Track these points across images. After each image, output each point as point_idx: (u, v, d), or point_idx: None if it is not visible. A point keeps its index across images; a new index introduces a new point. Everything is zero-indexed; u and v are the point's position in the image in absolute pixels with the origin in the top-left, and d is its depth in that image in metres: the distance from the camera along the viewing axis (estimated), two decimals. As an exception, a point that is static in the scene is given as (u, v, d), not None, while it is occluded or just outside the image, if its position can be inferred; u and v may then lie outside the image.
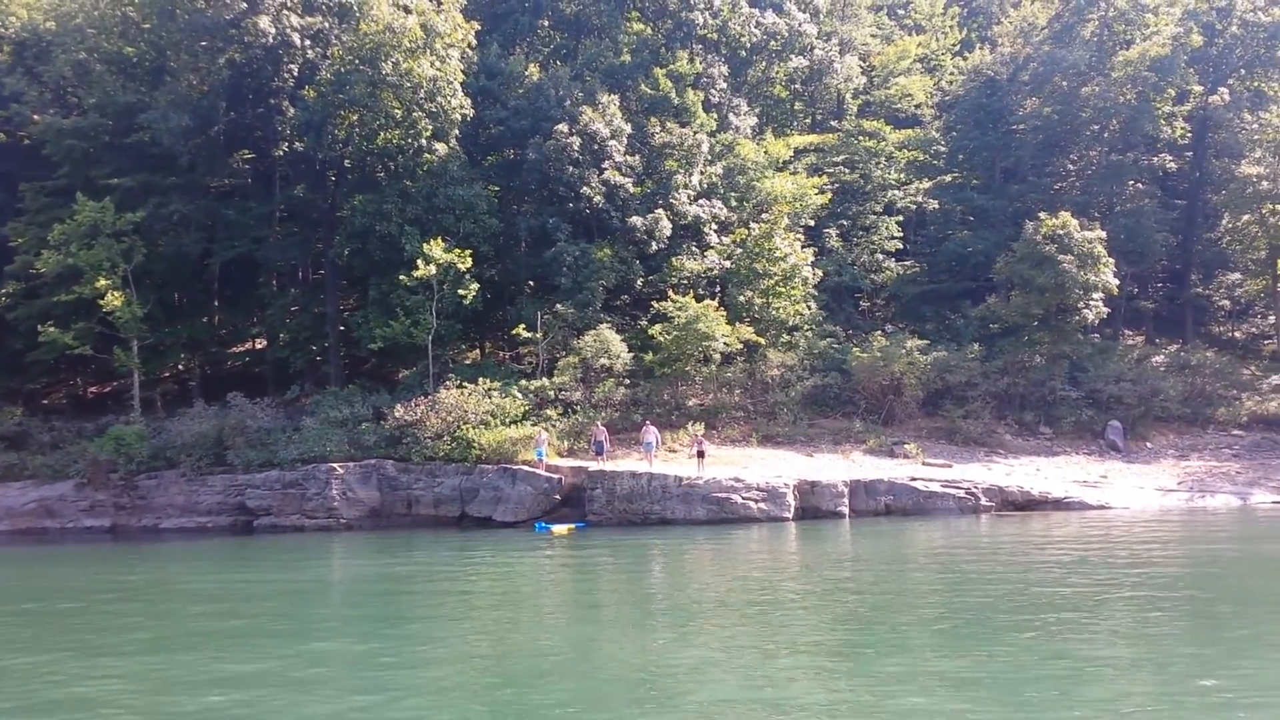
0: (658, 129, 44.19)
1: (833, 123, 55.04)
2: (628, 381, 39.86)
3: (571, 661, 14.54)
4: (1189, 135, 50.52)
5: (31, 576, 26.83)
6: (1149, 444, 39.82)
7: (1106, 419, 40.19)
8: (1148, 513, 31.44)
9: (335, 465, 35.08)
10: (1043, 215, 41.94)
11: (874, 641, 15.07)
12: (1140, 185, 49.52)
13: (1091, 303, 40.69)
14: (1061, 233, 40.68)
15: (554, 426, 37.09)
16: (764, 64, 53.20)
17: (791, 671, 13.50)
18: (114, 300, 39.06)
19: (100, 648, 16.66)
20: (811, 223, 47.15)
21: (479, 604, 20.25)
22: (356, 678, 13.98)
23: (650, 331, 40.34)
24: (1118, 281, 41.72)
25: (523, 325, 40.61)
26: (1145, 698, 11.90)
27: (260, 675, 14.26)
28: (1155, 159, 49.49)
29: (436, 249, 38.19)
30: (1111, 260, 41.20)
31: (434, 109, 41.15)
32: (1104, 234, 41.55)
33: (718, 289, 44.74)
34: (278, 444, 36.49)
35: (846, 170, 51.00)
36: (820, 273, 44.99)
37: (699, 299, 40.86)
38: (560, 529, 31.98)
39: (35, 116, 44.54)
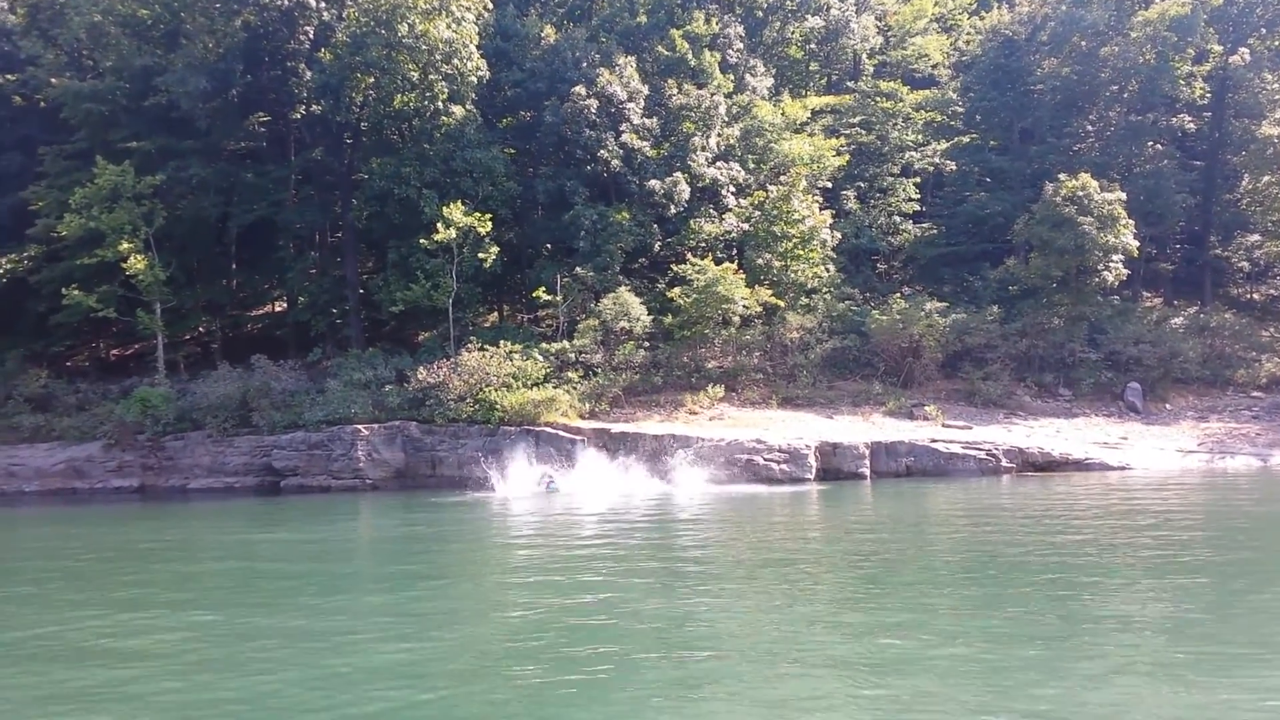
0: (675, 91, 43.96)
1: (849, 84, 54.70)
2: (647, 344, 40.01)
3: (597, 618, 14.71)
4: (1209, 96, 50.08)
5: (67, 535, 27.16)
6: (1168, 405, 39.98)
7: (1125, 381, 40.33)
8: (1168, 474, 31.64)
9: (360, 427, 35.39)
10: (1062, 177, 41.83)
11: (901, 599, 15.28)
12: (1159, 146, 49.24)
13: (1111, 264, 40.71)
14: (1081, 194, 40.61)
15: (575, 389, 37.31)
16: (779, 24, 52.81)
17: (815, 626, 13.68)
18: (137, 263, 39.26)
19: (136, 602, 17.04)
20: (829, 185, 47.06)
21: (504, 561, 20.53)
22: (389, 631, 14.20)
23: (670, 294, 40.48)
24: (1138, 243, 41.64)
25: (543, 288, 40.76)
26: (1167, 655, 12.11)
27: (291, 629, 14.52)
28: (1174, 120, 49.13)
29: (456, 212, 38.26)
30: (1131, 222, 41.14)
31: (450, 71, 41.04)
32: (1124, 195, 41.44)
33: (735, 252, 44.77)
34: (302, 406, 36.83)
35: (863, 132, 50.80)
36: (838, 235, 44.99)
37: (717, 262, 40.95)
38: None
39: (53, 80, 44.44)
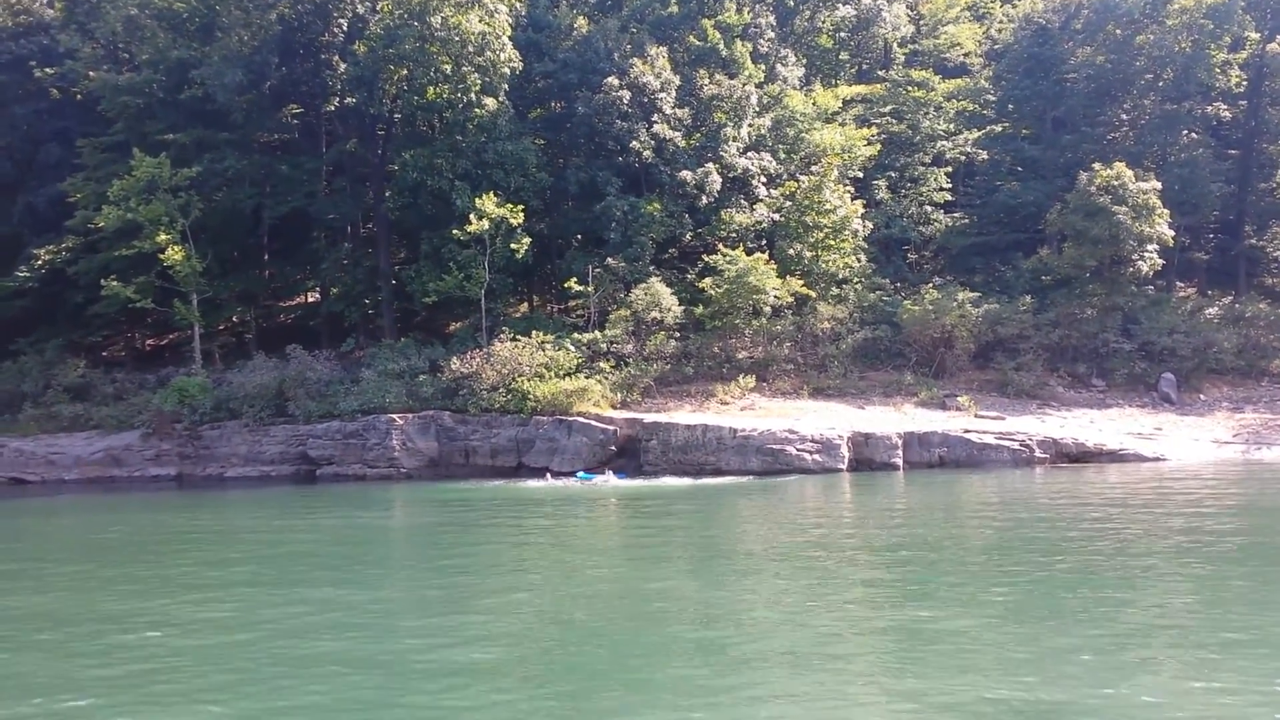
0: (706, 81, 43.93)
1: (880, 73, 54.40)
2: (678, 334, 40.10)
3: (629, 606, 14.83)
4: (1245, 84, 49.40)
5: (105, 523, 27.61)
6: (1202, 396, 39.66)
7: (1159, 371, 40.02)
8: (1204, 465, 31.41)
9: (394, 416, 35.73)
10: (1097, 166, 41.51)
11: (936, 590, 15.34)
12: (1194, 135, 48.69)
13: (1146, 254, 40.41)
14: (1116, 184, 40.28)
15: (606, 379, 37.45)
16: (810, 13, 52.61)
17: (846, 620, 13.72)
18: (174, 254, 39.75)
19: (162, 587, 17.41)
20: (860, 174, 46.91)
21: (536, 550, 20.71)
22: (421, 619, 14.43)
23: (701, 285, 40.53)
24: (1172, 233, 41.28)
25: (574, 279, 40.93)
26: (1208, 649, 12.10)
27: (329, 615, 14.76)
28: (1210, 108, 48.64)
29: (489, 204, 38.47)
30: (1166, 211, 40.78)
31: (483, 63, 41.15)
32: (1158, 185, 41.08)
33: (766, 242, 44.72)
34: (337, 395, 37.21)
35: (894, 121, 50.50)
36: (869, 225, 44.86)
37: (748, 252, 40.90)
38: (599, 479, 32.45)
39: (90, 73, 45.05)
